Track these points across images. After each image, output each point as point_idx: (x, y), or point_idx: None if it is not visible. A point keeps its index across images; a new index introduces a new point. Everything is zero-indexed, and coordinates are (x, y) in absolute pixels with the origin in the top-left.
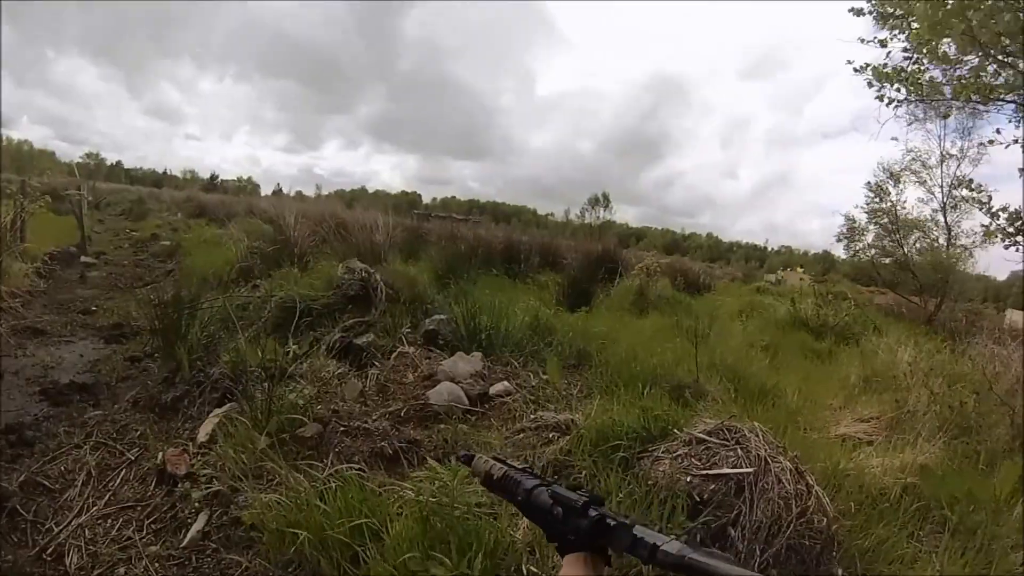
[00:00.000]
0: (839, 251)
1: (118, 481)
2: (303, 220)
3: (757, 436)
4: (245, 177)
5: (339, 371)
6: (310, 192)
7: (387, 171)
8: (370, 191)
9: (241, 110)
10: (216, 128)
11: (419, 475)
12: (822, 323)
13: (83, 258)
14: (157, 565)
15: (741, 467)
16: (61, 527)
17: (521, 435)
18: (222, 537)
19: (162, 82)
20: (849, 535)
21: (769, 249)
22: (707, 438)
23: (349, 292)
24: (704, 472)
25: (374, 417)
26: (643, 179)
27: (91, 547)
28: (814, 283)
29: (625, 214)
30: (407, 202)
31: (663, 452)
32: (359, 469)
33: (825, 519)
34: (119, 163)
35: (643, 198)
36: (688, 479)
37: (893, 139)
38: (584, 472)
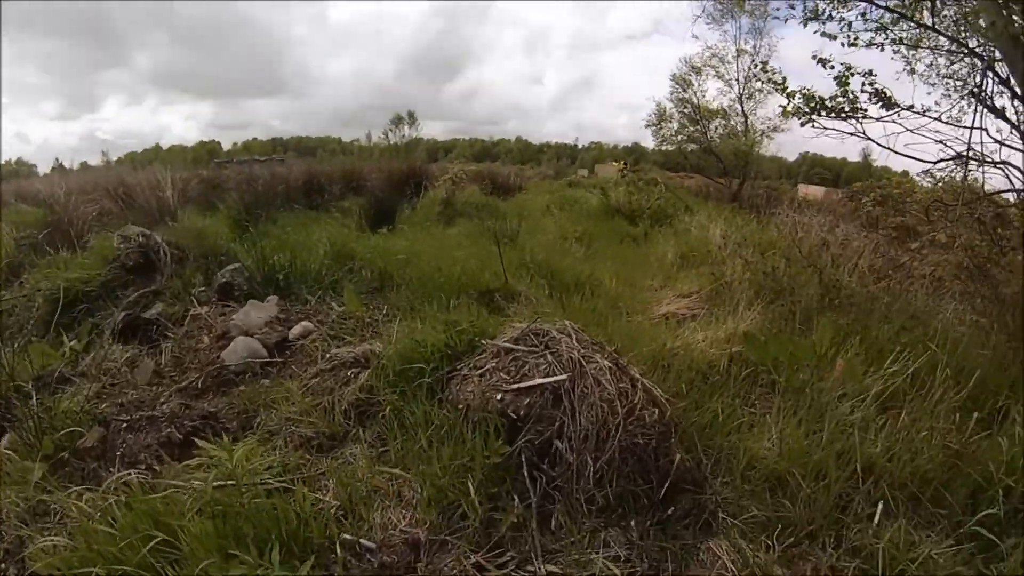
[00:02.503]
0: (648, 141)
1: None
2: (80, 194)
3: (569, 337)
4: (14, 160)
5: (128, 355)
6: (96, 161)
7: (180, 123)
8: (165, 148)
9: None
10: None
11: (193, 462)
12: (635, 208)
13: None
14: None
15: (554, 375)
16: None
17: (317, 379)
18: None
19: None
20: (684, 414)
21: (579, 147)
22: (514, 347)
23: (127, 263)
24: (516, 386)
25: (162, 400)
26: (447, 94)
27: None
28: (626, 171)
29: (432, 130)
30: (206, 152)
31: (470, 369)
32: (146, 468)
33: (656, 411)
34: None
35: (449, 112)
36: (499, 397)
37: (694, 37)
38: (388, 406)
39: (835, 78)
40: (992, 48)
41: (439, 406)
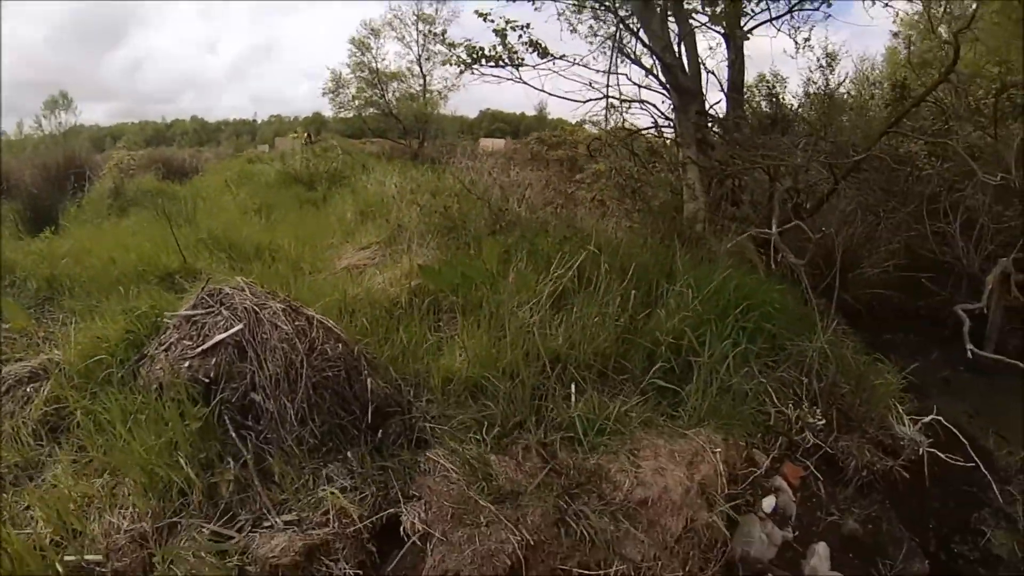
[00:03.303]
0: (328, 110)
1: None
2: None
3: (242, 291)
4: None
5: None
6: None
7: None
8: None
9: None
10: None
11: None
12: (312, 174)
13: None
14: None
15: (231, 327)
16: None
17: None
18: None
19: None
20: (374, 349)
21: (259, 122)
22: (193, 312)
23: None
24: (200, 349)
25: None
26: (107, 66)
27: None
28: (309, 141)
29: (93, 114)
30: None
31: (156, 348)
32: None
33: (340, 345)
34: None
35: (112, 91)
36: (187, 364)
37: None
38: (79, 412)
39: (494, 31)
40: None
41: (132, 395)
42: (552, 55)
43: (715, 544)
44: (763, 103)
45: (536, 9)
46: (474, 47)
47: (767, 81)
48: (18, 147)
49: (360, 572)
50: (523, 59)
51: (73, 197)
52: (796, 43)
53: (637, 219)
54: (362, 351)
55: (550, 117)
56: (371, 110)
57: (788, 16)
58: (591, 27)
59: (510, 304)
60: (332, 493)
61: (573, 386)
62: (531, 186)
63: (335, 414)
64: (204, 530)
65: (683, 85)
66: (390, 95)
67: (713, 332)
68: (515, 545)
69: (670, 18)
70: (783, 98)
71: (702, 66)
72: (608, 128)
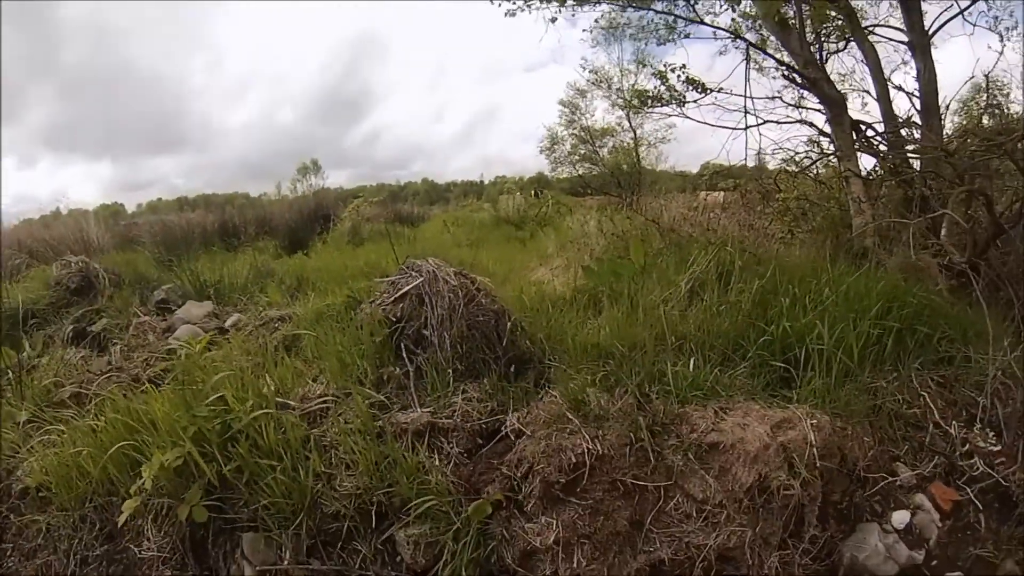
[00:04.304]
0: (548, 170)
1: None
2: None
3: (429, 262)
4: None
5: (80, 355)
6: None
7: (77, 184)
8: (65, 212)
9: None
10: None
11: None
12: (522, 217)
13: None
14: None
15: (415, 282)
16: None
17: (252, 334)
18: (15, 529)
19: None
20: (532, 324)
21: (485, 182)
22: (394, 278)
23: (70, 285)
24: (392, 298)
25: (125, 369)
26: (350, 139)
27: None
28: (535, 194)
29: (337, 178)
30: (111, 215)
31: (367, 304)
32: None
33: (495, 303)
34: None
35: (352, 159)
36: (382, 308)
37: (583, 59)
38: (306, 337)
39: (653, 74)
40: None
41: (343, 327)
42: (710, 89)
43: (794, 514)
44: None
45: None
46: (640, 90)
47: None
48: (276, 204)
49: (463, 452)
50: (684, 96)
51: (319, 235)
52: (1000, 35)
53: (806, 239)
54: (513, 316)
55: (770, 166)
56: (587, 165)
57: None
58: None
59: (650, 294)
60: (463, 400)
61: (692, 360)
62: (719, 219)
63: (481, 350)
64: (365, 404)
65: (830, 97)
66: (604, 152)
67: (850, 330)
68: (584, 449)
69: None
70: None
71: (889, 83)
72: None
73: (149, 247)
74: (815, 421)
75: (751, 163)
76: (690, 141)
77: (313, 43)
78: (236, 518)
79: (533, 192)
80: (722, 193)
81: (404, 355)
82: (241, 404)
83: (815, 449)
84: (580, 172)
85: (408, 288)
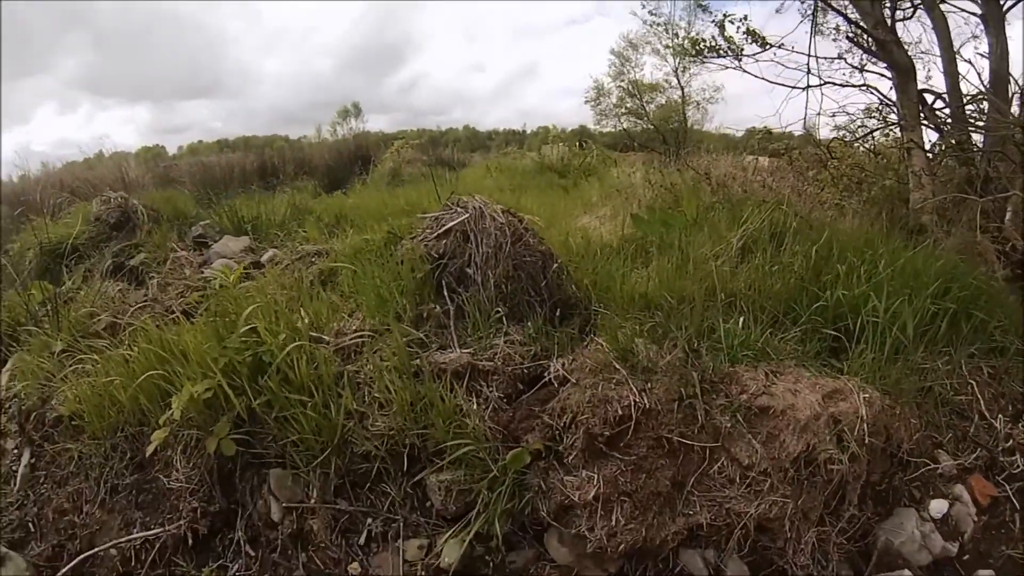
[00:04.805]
0: (591, 123)
1: None
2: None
3: (476, 199)
4: None
5: (119, 288)
6: (37, 173)
7: (117, 128)
8: (107, 156)
9: None
10: None
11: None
12: (566, 166)
13: None
14: None
15: (460, 217)
16: None
17: (288, 268)
18: (48, 457)
19: None
20: (577, 270)
21: (527, 132)
22: (438, 214)
23: (110, 220)
24: (435, 234)
25: (160, 301)
26: (388, 86)
27: None
28: (579, 144)
29: (377, 123)
30: (152, 157)
31: (407, 239)
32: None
33: (542, 244)
34: None
35: (391, 105)
36: (424, 244)
37: (632, 14)
38: (343, 271)
39: (712, 22)
40: None
41: (382, 262)
42: (770, 44)
43: (838, 492)
44: None
45: None
46: (696, 39)
47: None
48: (315, 147)
49: (503, 397)
50: (742, 48)
51: (359, 176)
52: None
53: (860, 210)
54: (559, 259)
55: (820, 136)
56: (632, 119)
57: None
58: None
59: (701, 247)
60: (505, 343)
61: (741, 319)
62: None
63: (526, 292)
64: (404, 339)
65: (899, 62)
66: (651, 106)
67: (905, 305)
68: (631, 402)
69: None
70: None
71: (958, 56)
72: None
73: (188, 186)
74: (867, 395)
75: (808, 125)
76: (737, 104)
77: None
78: (264, 453)
79: (578, 143)
80: (768, 158)
81: (445, 293)
82: (274, 337)
83: (865, 425)
84: (624, 126)
85: (453, 224)
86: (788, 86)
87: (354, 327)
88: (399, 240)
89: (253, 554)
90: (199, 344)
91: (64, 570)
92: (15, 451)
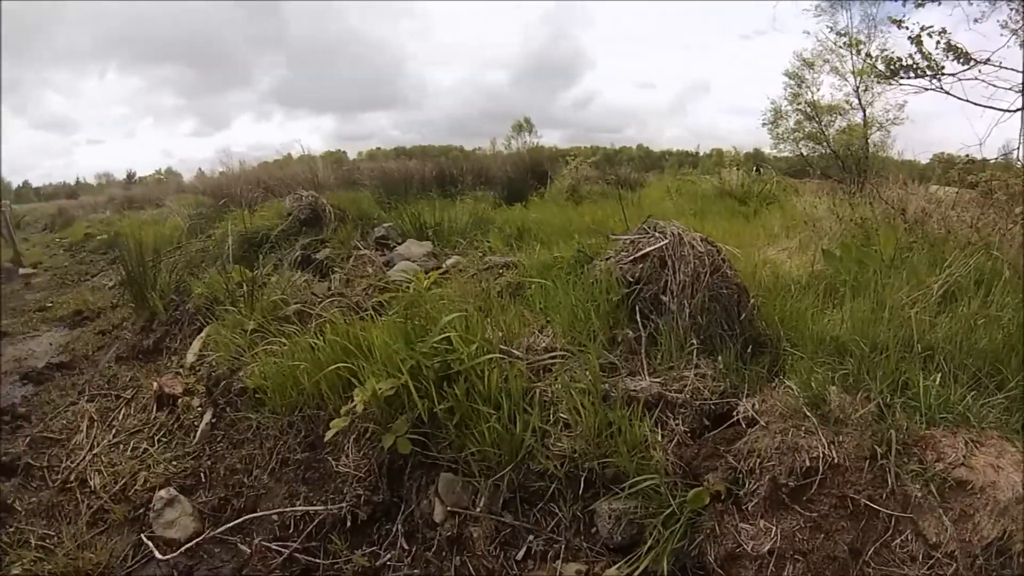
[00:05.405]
0: (765, 147)
1: (120, 417)
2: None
3: (673, 224)
4: (163, 169)
5: (304, 279)
6: (235, 170)
7: (306, 135)
8: (295, 157)
9: (137, 104)
10: (116, 127)
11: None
12: (746, 192)
13: (20, 271)
14: (175, 464)
15: (659, 243)
16: (77, 462)
17: (474, 277)
18: (228, 421)
19: (41, 93)
20: (765, 305)
21: (701, 154)
22: (633, 236)
23: (301, 216)
24: (631, 257)
25: (346, 296)
26: (561, 101)
27: (111, 468)
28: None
29: (550, 138)
30: (334, 160)
31: (601, 259)
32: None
33: (738, 277)
34: (26, 183)
35: (564, 121)
36: (621, 267)
37: (805, 32)
38: (533, 286)
39: (908, 38)
40: None
41: (577, 279)
42: (975, 60)
43: None
44: None
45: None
46: (891, 57)
47: None
48: (491, 158)
49: (688, 431)
50: (943, 66)
51: (536, 190)
52: None
53: None
54: (753, 295)
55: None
56: (811, 144)
57: None
58: (1005, 22)
59: (897, 291)
60: (695, 375)
61: (939, 376)
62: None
63: (720, 324)
64: (596, 361)
65: None
66: (830, 130)
67: None
68: (820, 453)
69: None
70: None
71: None
72: None
73: (370, 189)
74: None
75: (1010, 152)
76: (922, 127)
77: (519, 10)
78: (438, 456)
79: (756, 168)
80: (956, 189)
81: (638, 319)
82: (467, 346)
83: None
84: (803, 151)
85: (651, 249)
86: (999, 109)
87: (543, 344)
88: (590, 260)
89: (408, 548)
90: (387, 343)
91: (227, 525)
92: (199, 409)
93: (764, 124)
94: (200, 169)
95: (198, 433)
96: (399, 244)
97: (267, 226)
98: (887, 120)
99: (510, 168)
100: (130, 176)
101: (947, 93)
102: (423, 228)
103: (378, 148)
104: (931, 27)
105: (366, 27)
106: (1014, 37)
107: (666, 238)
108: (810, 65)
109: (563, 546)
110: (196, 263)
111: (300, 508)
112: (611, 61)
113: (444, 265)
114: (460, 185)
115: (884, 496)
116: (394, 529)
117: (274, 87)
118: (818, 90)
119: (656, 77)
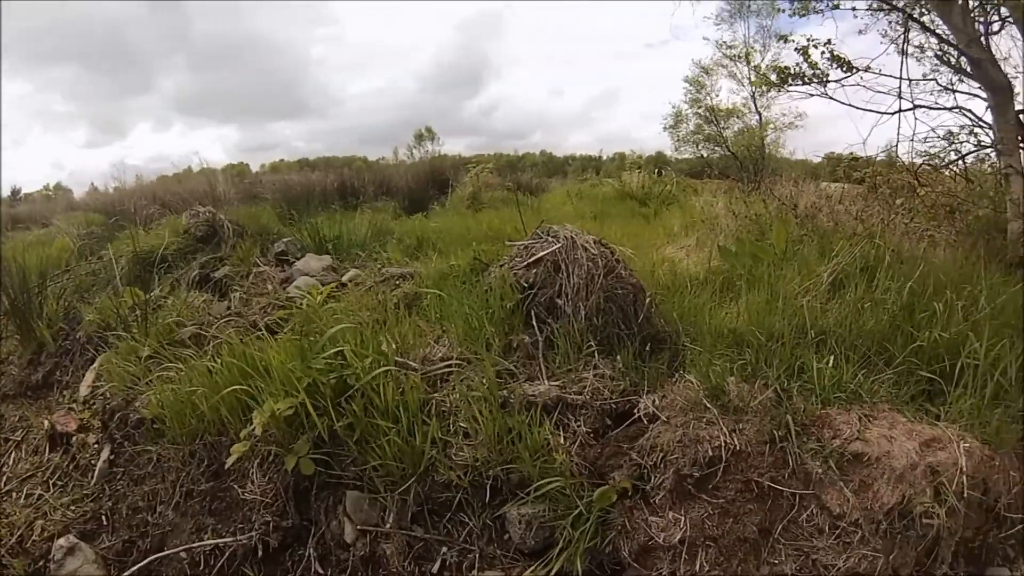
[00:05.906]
0: (669, 151)
1: (11, 462)
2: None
3: (566, 228)
4: (52, 184)
5: (203, 299)
6: (131, 185)
7: (207, 146)
8: (195, 170)
9: (26, 108)
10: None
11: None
12: (646, 194)
13: None
14: (73, 508)
15: (552, 247)
16: None
17: (371, 289)
18: (127, 456)
19: None
20: (664, 302)
21: (604, 158)
22: (528, 242)
23: (197, 234)
24: (525, 263)
25: (244, 315)
26: (468, 109)
27: (4, 519)
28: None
29: (455, 146)
30: (236, 173)
31: (496, 266)
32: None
33: (632, 276)
34: None
35: (471, 128)
36: (514, 273)
37: (704, 39)
38: (429, 296)
39: (795, 49)
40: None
41: (469, 289)
42: (856, 68)
43: (931, 548)
44: None
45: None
46: (782, 67)
47: None
48: (394, 168)
49: (590, 432)
50: (828, 75)
51: (438, 199)
52: None
53: (953, 241)
54: (649, 292)
55: (900, 160)
56: (710, 146)
57: None
58: (885, 32)
59: (790, 282)
60: (594, 376)
61: (832, 358)
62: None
63: (617, 324)
64: (492, 368)
65: (996, 82)
66: (728, 132)
67: (1007, 348)
68: (722, 442)
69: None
70: None
71: None
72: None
73: (271, 202)
74: (967, 445)
75: (891, 150)
76: (814, 129)
77: (432, 19)
78: (342, 475)
79: (656, 170)
80: (844, 185)
81: (534, 323)
82: (360, 360)
83: (965, 477)
84: (703, 153)
85: (544, 253)
86: (878, 111)
87: (439, 354)
88: (485, 267)
89: (322, 572)
90: (283, 361)
91: (133, 569)
92: (96, 446)
93: (665, 128)
94: (93, 184)
95: (96, 472)
96: (299, 259)
97: (162, 244)
98: (785, 124)
99: (411, 178)
100: (15, 192)
101: (831, 98)
102: (323, 242)
103: (282, 160)
104: (816, 39)
105: (271, 31)
106: (893, 46)
107: (559, 242)
108: (708, 72)
109: (477, 555)
110: (87, 287)
111: (209, 542)
112: (521, 69)
113: (344, 278)
114: (362, 196)
115: (787, 476)
116: (307, 554)
117: (175, 93)
118: (717, 95)
119: (565, 84)
